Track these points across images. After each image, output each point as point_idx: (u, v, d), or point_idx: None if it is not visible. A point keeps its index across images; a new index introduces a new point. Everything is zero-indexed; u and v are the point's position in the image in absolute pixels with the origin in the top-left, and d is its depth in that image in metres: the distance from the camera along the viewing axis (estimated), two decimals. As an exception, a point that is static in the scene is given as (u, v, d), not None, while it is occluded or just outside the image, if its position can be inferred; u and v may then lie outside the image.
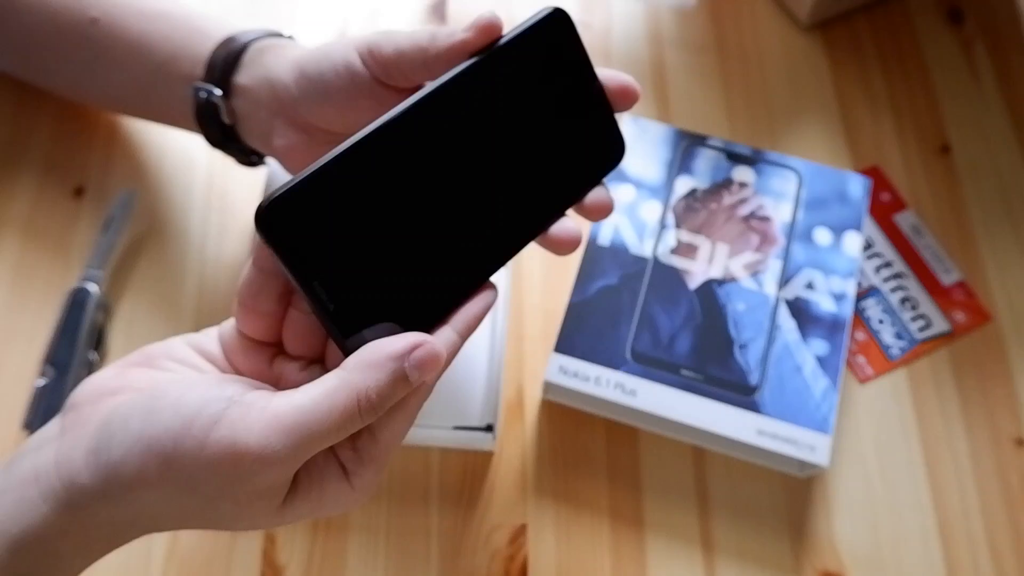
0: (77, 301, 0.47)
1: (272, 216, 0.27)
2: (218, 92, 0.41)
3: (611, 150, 0.35)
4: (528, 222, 0.33)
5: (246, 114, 0.41)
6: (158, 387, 0.28)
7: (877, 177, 0.55)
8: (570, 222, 0.34)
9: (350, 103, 0.36)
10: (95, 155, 0.53)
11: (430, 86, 0.31)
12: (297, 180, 0.28)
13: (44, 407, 0.45)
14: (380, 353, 0.28)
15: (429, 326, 0.30)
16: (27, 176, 0.53)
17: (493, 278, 0.32)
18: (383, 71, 0.35)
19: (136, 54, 0.44)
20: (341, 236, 0.29)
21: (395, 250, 0.30)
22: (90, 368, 0.47)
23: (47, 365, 0.46)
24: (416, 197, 0.30)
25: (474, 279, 0.32)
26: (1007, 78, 0.59)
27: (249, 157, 0.45)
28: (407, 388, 0.28)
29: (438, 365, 0.28)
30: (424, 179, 0.30)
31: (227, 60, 0.41)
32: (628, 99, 0.35)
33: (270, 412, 0.26)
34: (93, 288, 0.48)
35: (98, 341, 0.48)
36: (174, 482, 0.27)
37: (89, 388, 0.30)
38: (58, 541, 0.28)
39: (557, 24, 0.33)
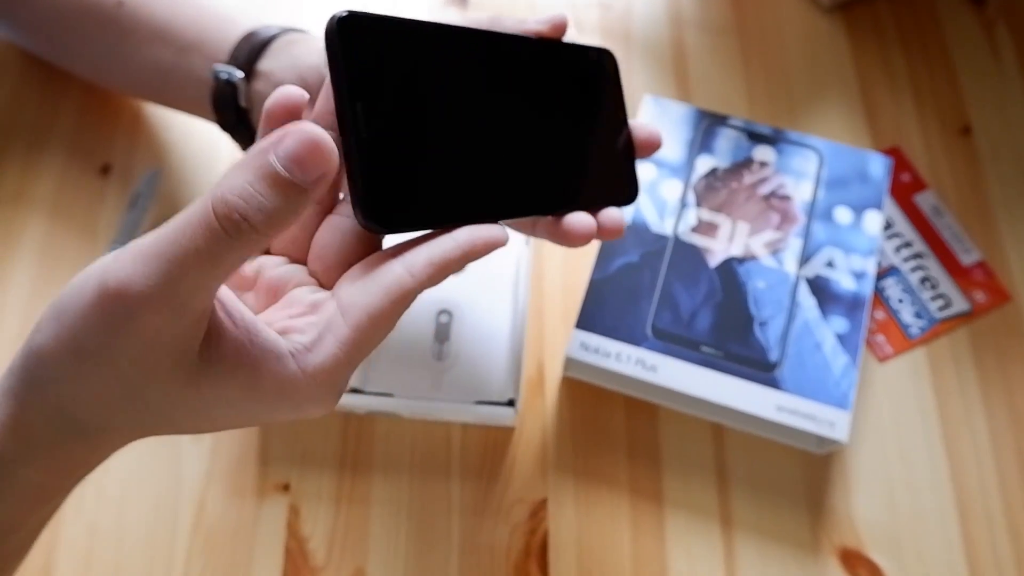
0: (104, 277, 0.48)
1: (349, 25, 0.28)
2: (239, 74, 0.42)
3: (625, 190, 0.38)
4: (540, 194, 0.34)
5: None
6: None
7: (897, 158, 0.55)
8: (585, 215, 0.34)
9: None
10: (120, 134, 0.54)
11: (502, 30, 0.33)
12: (380, 15, 0.29)
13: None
14: (247, 153, 0.24)
15: (436, 222, 0.30)
16: (53, 155, 0.53)
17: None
18: None
19: (160, 38, 0.45)
20: (395, 84, 0.29)
21: (431, 128, 0.30)
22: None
23: (75, 339, 0.47)
24: (463, 103, 0.31)
25: (483, 209, 0.32)
26: (1029, 59, 0.59)
27: None
28: (290, 190, 0.23)
29: (320, 156, 0.23)
30: (474, 93, 0.32)
31: (253, 47, 0.42)
32: (651, 149, 0.38)
33: (133, 246, 0.24)
34: (120, 264, 0.48)
35: (125, 316, 0.48)
36: (65, 341, 0.25)
37: None
38: (0, 435, 0.27)
39: (606, 61, 0.37)
